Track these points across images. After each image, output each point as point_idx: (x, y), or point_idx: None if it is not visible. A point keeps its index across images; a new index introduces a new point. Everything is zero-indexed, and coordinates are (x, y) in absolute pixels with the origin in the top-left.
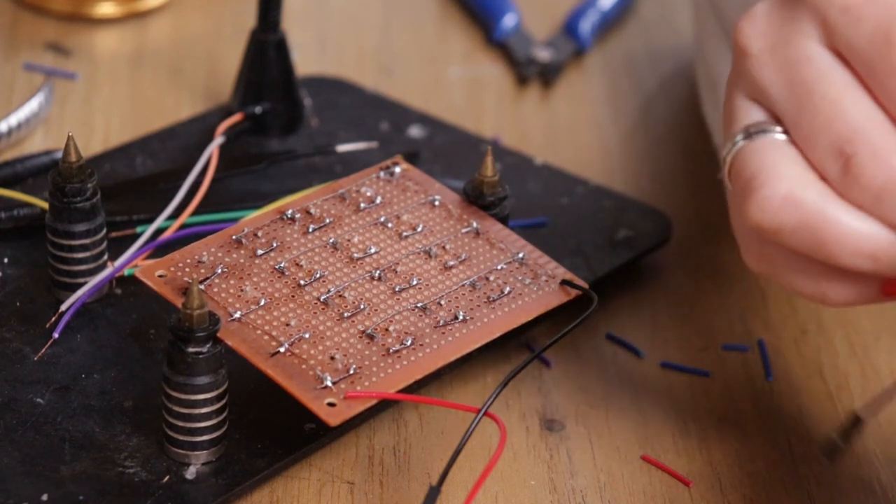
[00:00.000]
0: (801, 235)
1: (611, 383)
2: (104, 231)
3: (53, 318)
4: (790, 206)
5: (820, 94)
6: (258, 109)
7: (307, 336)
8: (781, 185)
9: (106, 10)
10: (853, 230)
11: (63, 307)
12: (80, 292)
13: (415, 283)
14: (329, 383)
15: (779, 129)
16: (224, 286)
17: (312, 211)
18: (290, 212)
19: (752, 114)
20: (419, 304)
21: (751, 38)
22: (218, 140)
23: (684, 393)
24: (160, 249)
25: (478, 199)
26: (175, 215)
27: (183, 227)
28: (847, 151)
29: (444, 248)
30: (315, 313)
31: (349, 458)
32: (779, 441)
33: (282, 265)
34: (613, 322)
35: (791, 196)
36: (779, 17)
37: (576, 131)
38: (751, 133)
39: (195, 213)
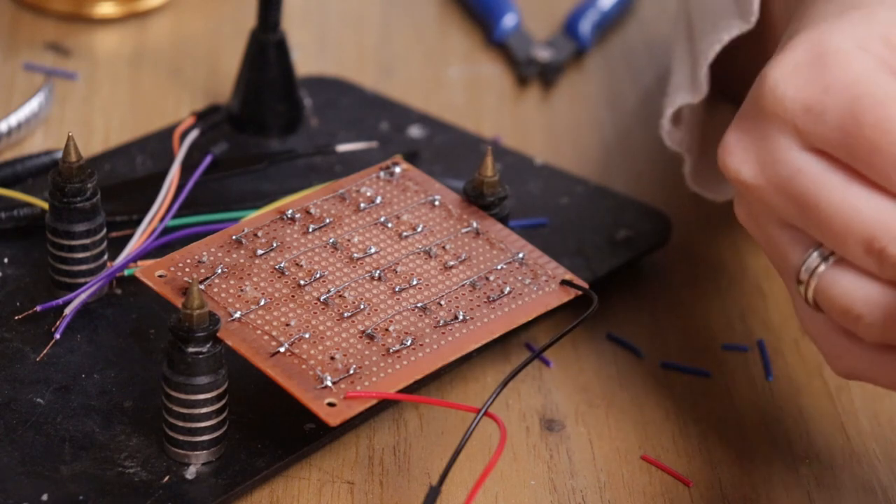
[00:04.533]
0: None
1: (611, 383)
2: (104, 231)
3: (28, 311)
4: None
5: (825, 203)
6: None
7: (307, 336)
8: (876, 311)
9: (106, 10)
10: None
11: (67, 311)
12: (80, 292)
13: (415, 283)
14: (329, 383)
15: (826, 251)
16: (224, 286)
17: (312, 211)
18: (290, 212)
19: (794, 241)
20: (419, 304)
21: (739, 170)
22: (192, 135)
23: (684, 393)
24: (160, 249)
25: (478, 199)
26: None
27: (183, 227)
28: (876, 247)
29: (444, 248)
30: (315, 313)
31: (349, 458)
32: (779, 441)
33: (282, 265)
34: (613, 322)
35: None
36: (752, 140)
37: (576, 131)
38: (814, 266)
39: (196, 213)
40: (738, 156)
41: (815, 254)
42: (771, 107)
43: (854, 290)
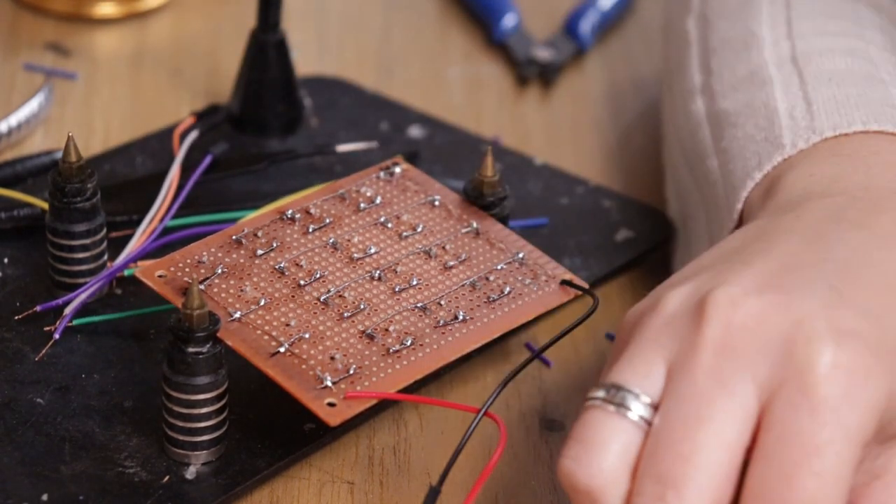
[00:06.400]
0: None
1: None
2: (104, 231)
3: (28, 311)
4: (589, 498)
5: (704, 432)
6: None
7: (307, 336)
8: (591, 467)
9: (106, 10)
10: None
11: (67, 311)
12: (80, 292)
13: (415, 283)
14: (329, 383)
15: (645, 408)
16: (224, 286)
17: (312, 211)
18: (290, 212)
19: (651, 378)
20: (419, 304)
21: (715, 318)
22: (191, 136)
23: None
24: (160, 249)
25: (478, 199)
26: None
27: (183, 227)
28: (666, 497)
29: (444, 248)
30: (315, 313)
31: (349, 458)
32: None
33: (282, 265)
34: (613, 322)
35: (597, 492)
36: (753, 326)
37: (576, 131)
38: (635, 402)
39: (196, 213)
40: (731, 312)
41: (649, 405)
42: (801, 372)
43: (611, 451)
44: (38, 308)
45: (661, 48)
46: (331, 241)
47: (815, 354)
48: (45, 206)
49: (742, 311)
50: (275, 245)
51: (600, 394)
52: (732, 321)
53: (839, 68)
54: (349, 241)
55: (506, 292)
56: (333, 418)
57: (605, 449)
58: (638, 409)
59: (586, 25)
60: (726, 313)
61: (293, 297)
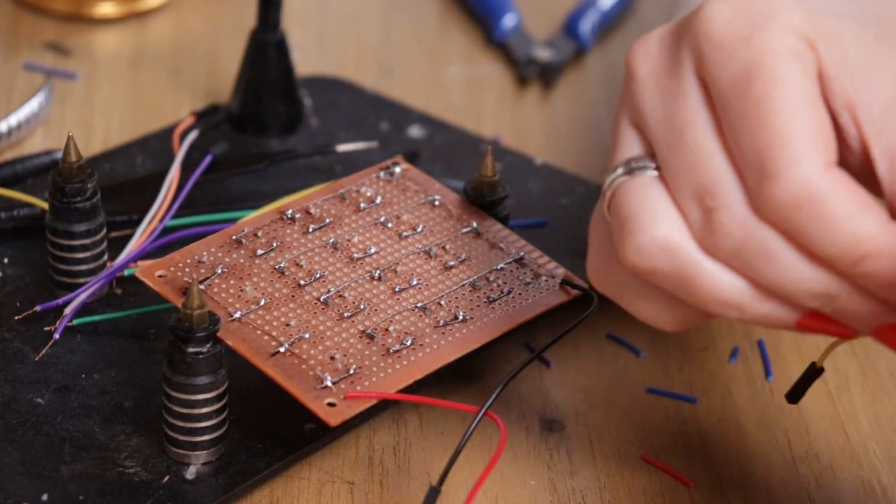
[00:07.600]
0: (673, 281)
1: (611, 383)
2: (104, 231)
3: (28, 312)
4: (665, 252)
5: (689, 135)
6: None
7: (307, 336)
8: (657, 230)
9: (106, 10)
10: (721, 282)
11: (67, 311)
12: (80, 292)
13: (415, 283)
14: (329, 383)
15: (653, 164)
16: (224, 286)
17: (312, 211)
18: (290, 212)
19: (632, 144)
20: (419, 304)
21: (640, 61)
22: (191, 136)
23: (684, 393)
24: (160, 249)
25: (478, 199)
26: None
27: (183, 227)
28: (707, 203)
29: (444, 248)
30: (315, 313)
31: (349, 458)
32: (779, 441)
33: (282, 265)
34: (613, 322)
35: (666, 243)
36: (667, 45)
37: (576, 131)
38: (631, 168)
39: (196, 213)
40: (648, 51)
41: (647, 160)
42: (697, 24)
43: (651, 208)
44: (38, 308)
45: None
46: (331, 241)
47: (703, 9)
48: (45, 206)
49: (643, 42)
50: (275, 245)
51: (620, 172)
52: (646, 51)
53: None
54: (349, 240)
55: (506, 292)
56: (333, 418)
57: (652, 205)
58: (644, 165)
59: (586, 25)
60: (633, 52)
61: (293, 297)
